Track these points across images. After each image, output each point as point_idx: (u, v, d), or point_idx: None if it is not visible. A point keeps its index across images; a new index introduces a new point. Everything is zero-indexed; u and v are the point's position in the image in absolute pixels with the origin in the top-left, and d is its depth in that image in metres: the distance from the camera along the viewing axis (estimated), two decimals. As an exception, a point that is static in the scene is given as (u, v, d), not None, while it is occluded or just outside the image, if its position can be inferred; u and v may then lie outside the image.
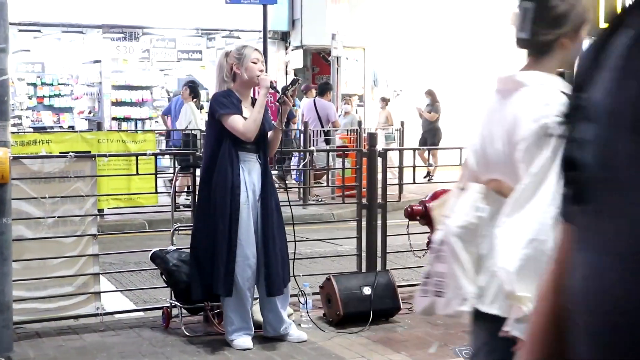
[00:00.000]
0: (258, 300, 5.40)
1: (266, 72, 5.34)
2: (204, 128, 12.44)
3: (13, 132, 12.55)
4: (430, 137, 15.99)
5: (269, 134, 5.24)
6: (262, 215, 5.16)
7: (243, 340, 5.17)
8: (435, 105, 16.26)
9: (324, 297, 5.83)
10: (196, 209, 5.48)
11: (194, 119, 12.50)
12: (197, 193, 5.55)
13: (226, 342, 5.25)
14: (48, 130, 16.70)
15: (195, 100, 12.80)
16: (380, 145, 8.36)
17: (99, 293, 5.81)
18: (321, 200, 12.20)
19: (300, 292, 5.70)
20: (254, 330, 5.28)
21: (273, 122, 5.41)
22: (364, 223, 6.59)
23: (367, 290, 5.77)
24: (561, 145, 1.23)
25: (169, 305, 5.66)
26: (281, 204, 5.37)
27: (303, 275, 6.33)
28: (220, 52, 5.58)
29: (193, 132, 12.24)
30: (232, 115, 5.05)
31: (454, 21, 18.53)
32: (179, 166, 6.78)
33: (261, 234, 5.16)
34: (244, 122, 5.05)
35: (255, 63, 5.16)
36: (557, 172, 2.14)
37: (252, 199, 5.13)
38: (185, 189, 10.25)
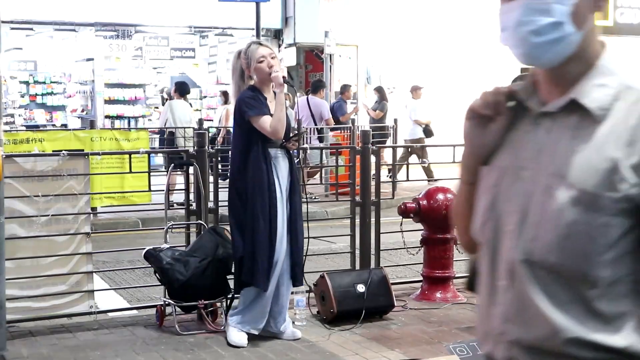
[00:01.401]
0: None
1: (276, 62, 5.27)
2: (183, 125, 12.47)
3: (5, 131, 12.51)
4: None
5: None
6: (290, 208, 5.26)
7: (240, 336, 5.19)
8: (382, 103, 16.22)
9: (318, 294, 5.84)
10: (230, 207, 5.36)
11: (171, 117, 12.53)
12: (230, 188, 5.38)
13: (220, 340, 5.25)
14: (41, 128, 16.66)
15: (182, 97, 12.81)
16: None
17: (92, 291, 5.81)
18: (315, 198, 12.20)
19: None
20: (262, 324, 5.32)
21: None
22: (357, 220, 6.59)
23: (360, 288, 5.78)
24: None
25: (162, 303, 5.66)
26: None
27: (297, 273, 6.34)
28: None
29: (169, 130, 12.32)
30: (261, 116, 5.12)
31: (447, 18, 18.55)
32: (172, 164, 6.77)
33: (288, 227, 5.24)
34: (271, 121, 5.10)
35: (262, 61, 5.18)
36: None
37: (284, 194, 5.24)
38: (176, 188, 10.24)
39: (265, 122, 5.11)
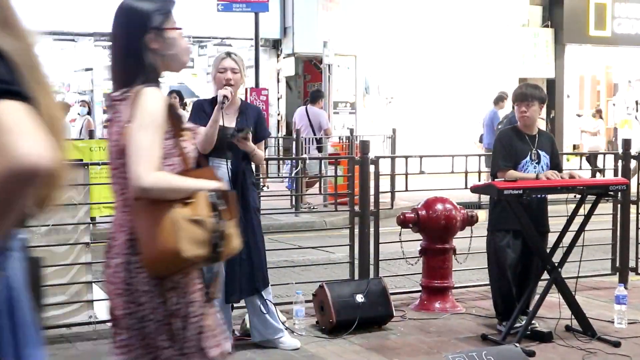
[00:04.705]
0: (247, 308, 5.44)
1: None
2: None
3: (5, 140, 12.52)
4: None
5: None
6: None
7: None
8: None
9: (317, 304, 5.84)
10: None
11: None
12: None
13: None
14: (39, 138, 16.66)
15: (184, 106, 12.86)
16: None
17: (92, 301, 5.81)
18: (313, 208, 12.22)
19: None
20: (228, 335, 5.27)
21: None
22: (356, 230, 6.61)
23: (359, 298, 5.79)
24: None
25: (162, 313, 5.65)
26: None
27: (296, 283, 6.34)
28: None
29: None
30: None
31: (445, 29, 18.60)
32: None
33: None
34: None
35: (222, 72, 5.15)
36: None
37: None
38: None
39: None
